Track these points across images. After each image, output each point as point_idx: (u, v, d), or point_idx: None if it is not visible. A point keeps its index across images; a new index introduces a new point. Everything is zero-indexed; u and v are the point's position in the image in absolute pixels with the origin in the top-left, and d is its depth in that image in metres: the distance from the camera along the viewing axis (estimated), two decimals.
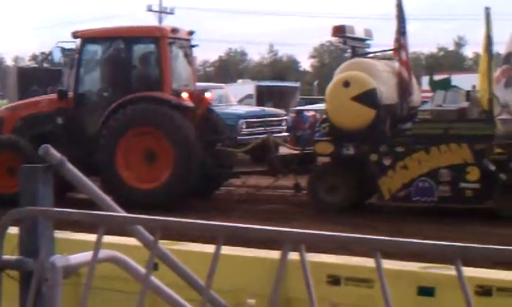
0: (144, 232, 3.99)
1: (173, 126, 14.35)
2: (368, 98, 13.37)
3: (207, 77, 73.74)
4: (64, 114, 15.34)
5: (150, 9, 57.71)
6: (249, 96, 35.31)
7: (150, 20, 55.97)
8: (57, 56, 17.94)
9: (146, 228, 3.92)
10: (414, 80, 15.15)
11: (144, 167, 14.71)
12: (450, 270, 4.76)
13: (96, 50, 16.13)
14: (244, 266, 6.47)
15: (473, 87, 13.99)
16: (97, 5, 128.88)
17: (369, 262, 5.02)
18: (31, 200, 3.69)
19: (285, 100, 37.71)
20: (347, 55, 16.29)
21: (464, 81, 17.27)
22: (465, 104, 13.72)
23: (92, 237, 4.05)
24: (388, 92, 13.82)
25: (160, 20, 55.88)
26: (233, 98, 27.79)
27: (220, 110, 22.95)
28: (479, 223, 12.29)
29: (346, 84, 13.51)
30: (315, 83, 51.92)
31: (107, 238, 5.26)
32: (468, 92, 14.15)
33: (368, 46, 15.95)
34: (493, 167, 12.61)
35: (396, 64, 14.35)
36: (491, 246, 2.48)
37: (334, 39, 16.94)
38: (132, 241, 4.73)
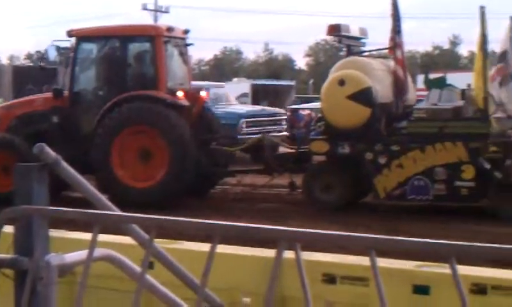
0: (139, 231, 3.99)
1: (168, 125, 14.35)
2: (363, 96, 13.38)
3: (202, 76, 73.69)
4: (59, 113, 15.33)
5: (145, 8, 57.72)
6: (244, 94, 35.30)
7: (146, 19, 55.96)
8: (53, 55, 17.88)
9: (142, 227, 3.92)
10: (409, 79, 15.16)
11: (139, 166, 14.70)
12: (445, 269, 4.77)
13: (91, 48, 16.13)
14: (240, 264, 6.47)
15: (469, 85, 14.02)
16: (93, 4, 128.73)
17: (365, 261, 5.03)
18: (25, 199, 3.68)
19: (280, 99, 37.71)
20: (342, 54, 16.30)
21: (459, 80, 17.32)
22: (460, 103, 13.75)
23: (87, 236, 4.04)
24: (383, 91, 13.83)
25: (155, 19, 55.87)
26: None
27: (221, 110, 23.02)
28: (474, 221, 12.32)
29: (341, 82, 13.53)
30: (311, 82, 51.98)
31: (103, 237, 5.25)
32: (463, 91, 14.19)
33: (364, 45, 15.96)
34: (488, 166, 12.64)
35: (391, 63, 14.37)
36: (486, 244, 2.48)
37: (329, 38, 16.97)
38: (127, 240, 4.73)
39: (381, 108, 13.66)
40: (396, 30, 14.24)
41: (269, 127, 22.72)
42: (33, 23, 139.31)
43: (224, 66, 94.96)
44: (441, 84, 14.74)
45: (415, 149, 13.11)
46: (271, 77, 56.84)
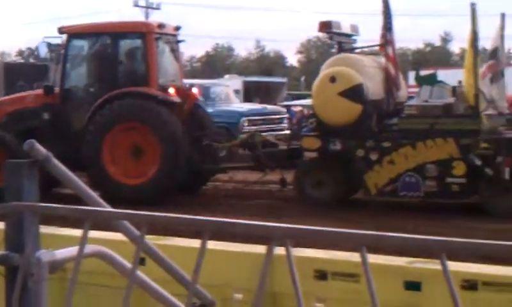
0: (130, 227, 3.99)
1: (160, 121, 14.33)
2: (354, 93, 13.39)
3: (193, 73, 73.64)
4: (50, 110, 15.29)
5: (136, 5, 57.63)
6: (236, 91, 35.31)
7: (137, 16, 55.85)
8: (44, 51, 17.85)
9: (133, 223, 3.92)
10: (401, 76, 15.18)
11: (130, 163, 14.67)
12: (436, 265, 4.78)
13: (82, 45, 16.08)
14: (231, 261, 6.47)
15: (460, 82, 14.02)
16: (85, 1, 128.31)
17: (356, 257, 5.03)
18: (16, 195, 3.68)
19: (272, 96, 37.76)
20: (334, 50, 16.30)
21: (450, 77, 17.31)
22: (451, 99, 13.76)
23: (78, 232, 4.04)
24: (374, 87, 13.84)
25: (146, 16, 55.77)
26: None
27: (222, 108, 23.03)
28: (465, 218, 12.33)
29: (332, 79, 13.53)
30: (302, 78, 52.00)
31: (94, 234, 5.25)
32: (454, 87, 14.19)
33: (355, 41, 15.96)
34: (479, 162, 12.66)
35: (383, 60, 14.37)
36: (476, 240, 2.49)
37: (321, 34, 16.98)
38: (118, 236, 4.73)
39: (372, 105, 13.66)
40: (387, 27, 14.24)
41: (271, 125, 22.74)
42: (25, 20, 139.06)
43: (216, 63, 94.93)
44: (432, 80, 14.75)
45: (406, 146, 13.13)
46: (263, 74, 56.89)
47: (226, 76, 45.58)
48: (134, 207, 5.99)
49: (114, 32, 15.63)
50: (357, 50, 15.48)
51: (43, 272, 3.60)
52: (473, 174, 12.75)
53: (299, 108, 30.75)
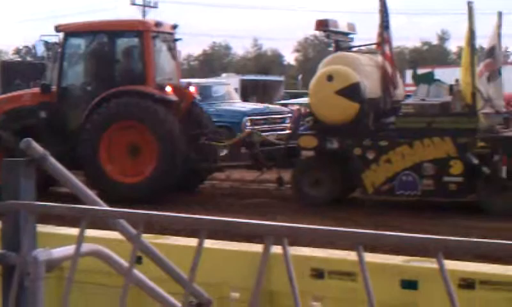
0: (127, 226, 3.98)
1: (157, 120, 14.32)
2: (351, 92, 13.39)
3: (191, 71, 73.63)
4: (47, 108, 15.28)
5: (133, 3, 57.62)
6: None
7: (134, 14, 55.85)
8: (41, 50, 17.83)
9: (129, 222, 3.92)
10: (398, 75, 15.17)
11: (128, 161, 14.67)
12: (433, 264, 4.78)
13: (79, 43, 16.07)
14: (228, 260, 6.48)
15: (457, 81, 14.02)
16: None
17: (353, 256, 5.04)
18: (13, 194, 3.67)
19: (269, 94, 37.76)
20: (331, 49, 16.30)
21: (447, 75, 17.32)
22: (448, 98, 13.75)
23: (75, 231, 4.04)
24: (371, 86, 13.84)
25: (144, 14, 55.76)
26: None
27: (224, 108, 23.00)
28: (462, 217, 12.34)
29: (330, 78, 13.53)
30: (300, 77, 52.00)
31: (91, 232, 5.25)
32: (451, 86, 14.18)
33: (352, 40, 15.96)
34: (476, 161, 12.66)
35: (380, 58, 14.37)
36: (473, 239, 2.49)
37: (318, 33, 16.98)
38: (115, 235, 4.72)
39: (369, 103, 13.66)
40: (384, 25, 14.24)
41: (273, 125, 22.72)
42: (22, 18, 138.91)
43: (213, 62, 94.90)
44: (429, 79, 14.75)
45: (403, 145, 13.13)
46: (260, 73, 56.87)
47: (224, 74, 45.60)
48: (131, 206, 5.98)
49: (111, 31, 15.63)
50: (354, 49, 15.47)
51: (39, 271, 3.59)
52: (470, 173, 12.75)
53: (296, 106, 30.71)
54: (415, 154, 13.05)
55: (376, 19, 14.37)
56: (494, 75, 13.85)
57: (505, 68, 15.46)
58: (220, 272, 6.26)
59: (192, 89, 15.99)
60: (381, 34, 14.27)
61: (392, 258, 6.02)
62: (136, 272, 4.04)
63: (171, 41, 16.19)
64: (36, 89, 15.92)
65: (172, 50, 16.25)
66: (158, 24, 15.60)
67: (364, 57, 14.70)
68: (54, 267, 3.77)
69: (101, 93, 14.67)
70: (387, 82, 14.12)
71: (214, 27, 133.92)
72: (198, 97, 17.40)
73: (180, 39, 16.60)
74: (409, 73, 23.79)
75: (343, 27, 15.28)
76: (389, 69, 14.12)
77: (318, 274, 6.08)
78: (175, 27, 16.36)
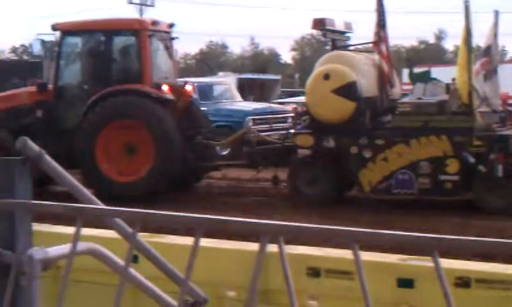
0: (123, 224, 3.98)
1: (154, 119, 14.31)
2: (348, 90, 13.39)
3: (188, 70, 73.60)
4: (43, 107, 15.26)
5: (130, 2, 57.52)
6: None
7: (131, 13, 55.76)
8: (37, 49, 17.83)
9: (126, 221, 3.91)
10: (394, 73, 15.18)
11: (124, 160, 14.66)
12: (429, 262, 4.79)
13: (76, 42, 16.06)
14: (224, 258, 6.47)
15: (453, 80, 14.03)
16: None
17: (349, 254, 5.04)
18: (8, 193, 3.67)
19: (266, 93, 37.73)
20: (327, 48, 16.30)
21: (444, 74, 17.32)
22: (445, 97, 13.76)
23: (71, 230, 4.03)
24: (368, 85, 13.85)
25: (140, 13, 55.69)
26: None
27: (226, 107, 22.95)
28: (458, 215, 12.35)
29: (326, 76, 13.53)
30: (297, 76, 52.02)
31: (87, 231, 5.25)
32: (447, 85, 14.20)
33: (349, 39, 15.97)
34: (472, 160, 12.68)
35: (376, 57, 14.38)
36: (469, 238, 2.49)
37: (315, 32, 16.97)
38: (111, 234, 4.72)
39: (365, 102, 13.67)
40: (381, 24, 14.25)
41: (276, 125, 22.69)
42: (19, 17, 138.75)
43: (210, 60, 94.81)
44: (425, 77, 14.77)
45: (400, 143, 13.14)
46: (257, 71, 56.78)
47: (221, 73, 45.53)
48: (127, 204, 5.96)
49: (108, 30, 15.61)
50: (351, 48, 15.48)
51: (35, 270, 3.59)
52: (466, 172, 12.77)
53: (292, 105, 30.70)
54: (412, 152, 13.06)
55: (373, 18, 14.38)
56: (490, 73, 13.87)
57: (501, 66, 15.46)
58: (216, 270, 6.26)
59: (189, 87, 15.97)
60: (377, 33, 14.27)
61: (388, 257, 6.02)
62: (132, 270, 4.04)
63: (167, 40, 16.18)
64: (33, 88, 15.90)
65: (169, 48, 16.24)
66: (155, 23, 15.59)
67: (361, 56, 14.70)
68: (49, 266, 3.76)
69: (98, 92, 14.66)
70: (384, 80, 14.13)
71: (210, 26, 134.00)
72: (195, 96, 17.37)
73: (176, 37, 16.61)
74: (405, 72, 23.74)
75: (340, 26, 15.29)
76: (386, 68, 14.13)
77: (314, 272, 6.08)
78: (171, 25, 16.35)
